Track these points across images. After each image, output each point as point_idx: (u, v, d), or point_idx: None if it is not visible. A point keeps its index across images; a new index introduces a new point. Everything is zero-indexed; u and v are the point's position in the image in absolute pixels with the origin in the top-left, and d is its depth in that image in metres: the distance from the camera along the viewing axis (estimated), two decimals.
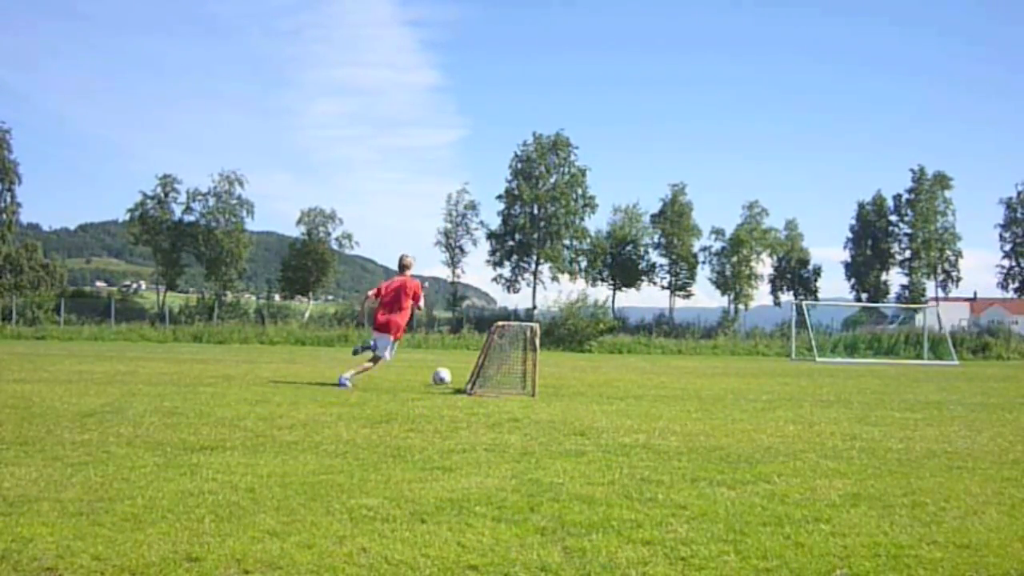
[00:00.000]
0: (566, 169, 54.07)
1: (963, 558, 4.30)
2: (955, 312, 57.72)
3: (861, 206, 60.66)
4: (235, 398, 11.72)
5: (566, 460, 7.03)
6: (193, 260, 55.81)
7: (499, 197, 54.52)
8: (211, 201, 54.19)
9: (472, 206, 55.08)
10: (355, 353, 14.87)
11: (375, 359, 14.20)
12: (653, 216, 56.42)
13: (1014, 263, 58.22)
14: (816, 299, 55.91)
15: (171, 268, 54.30)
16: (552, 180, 53.55)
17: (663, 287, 56.80)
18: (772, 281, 58.84)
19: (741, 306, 56.83)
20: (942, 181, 58.09)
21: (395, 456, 7.07)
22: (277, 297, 59.50)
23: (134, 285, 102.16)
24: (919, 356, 38.02)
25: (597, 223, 60.21)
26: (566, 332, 40.22)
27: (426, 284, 15.27)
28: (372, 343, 14.18)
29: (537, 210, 53.34)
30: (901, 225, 59.83)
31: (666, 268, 56.80)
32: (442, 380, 14.44)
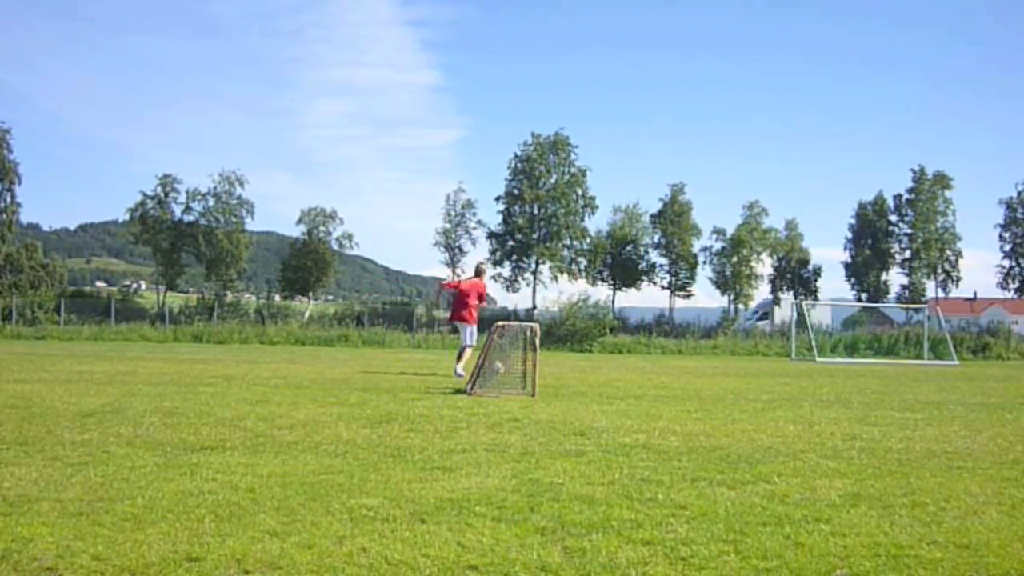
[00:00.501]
0: (566, 169, 54.06)
1: (963, 558, 4.30)
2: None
3: (861, 206, 60.65)
4: (235, 398, 11.72)
5: (566, 460, 7.03)
6: (193, 260, 55.78)
7: (499, 198, 54.54)
8: (211, 201, 54.18)
9: (470, 205, 55.09)
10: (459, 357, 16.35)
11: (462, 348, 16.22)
12: (653, 216, 56.41)
13: (1014, 263, 58.21)
14: (816, 299, 55.92)
15: (171, 268, 54.26)
16: (552, 180, 53.55)
17: (663, 287, 56.82)
18: (772, 281, 58.83)
19: (741, 306, 56.84)
20: (942, 181, 58.09)
21: (395, 456, 7.07)
22: (277, 297, 59.46)
23: (134, 285, 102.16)
24: (919, 356, 38.01)
25: (597, 223, 60.24)
26: (566, 332, 40.22)
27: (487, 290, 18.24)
28: (463, 335, 16.24)
29: (537, 210, 53.34)
30: (901, 225, 59.83)
31: (666, 268, 56.81)
32: (496, 370, 14.78)
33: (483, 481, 6.04)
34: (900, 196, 59.71)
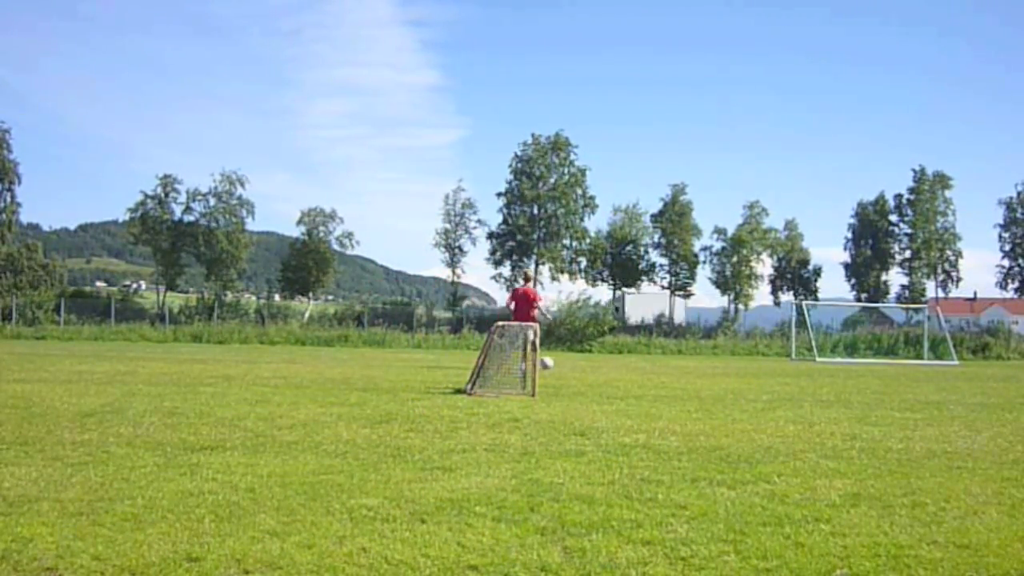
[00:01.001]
0: (566, 169, 54.07)
1: (963, 558, 4.30)
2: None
3: (861, 206, 60.65)
4: (235, 398, 11.72)
5: (566, 460, 7.03)
6: (193, 260, 55.77)
7: (499, 194, 54.52)
8: (211, 201, 54.16)
9: (469, 204, 55.08)
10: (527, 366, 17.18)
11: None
12: (653, 216, 56.40)
13: (1013, 263, 58.21)
14: (816, 299, 55.91)
15: (171, 268, 54.25)
16: (552, 180, 53.54)
17: (663, 287, 56.80)
18: (772, 281, 58.84)
19: (741, 306, 56.83)
20: (942, 181, 58.09)
21: (395, 456, 7.07)
22: (277, 297, 59.45)
23: (134, 285, 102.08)
24: (919, 356, 38.00)
25: (597, 223, 60.27)
26: (566, 332, 40.23)
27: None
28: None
29: (537, 210, 53.35)
30: (901, 225, 59.83)
31: (666, 268, 56.80)
32: (546, 366, 16.54)
33: (483, 481, 6.04)
34: (900, 196, 59.71)
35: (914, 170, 58.94)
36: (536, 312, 17.21)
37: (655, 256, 56.71)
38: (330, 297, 77.15)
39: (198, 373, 16.90)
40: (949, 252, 58.75)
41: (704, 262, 57.39)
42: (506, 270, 54.74)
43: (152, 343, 37.35)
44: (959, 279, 59.45)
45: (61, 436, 7.83)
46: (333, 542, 4.38)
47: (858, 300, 58.23)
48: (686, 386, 16.38)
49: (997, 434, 9.52)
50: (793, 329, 39.27)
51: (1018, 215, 58.16)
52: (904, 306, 55.97)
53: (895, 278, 60.33)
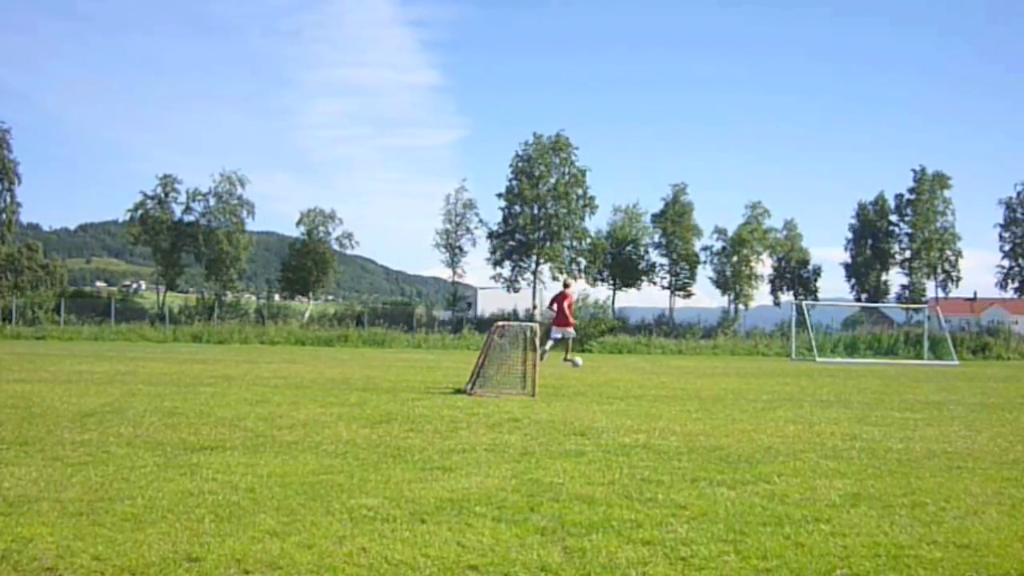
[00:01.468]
0: (566, 169, 54.06)
1: (963, 558, 4.30)
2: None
3: (861, 206, 60.65)
4: (235, 398, 11.72)
5: (566, 460, 7.03)
6: (193, 260, 55.77)
7: (500, 194, 54.50)
8: (212, 201, 54.16)
9: (470, 204, 55.07)
10: (542, 357, 16.59)
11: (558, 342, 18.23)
12: (654, 216, 56.38)
13: (1013, 263, 58.20)
14: (816, 299, 55.91)
15: (171, 268, 54.24)
16: (552, 180, 53.53)
17: (663, 287, 56.81)
18: (772, 281, 58.84)
19: (741, 306, 56.83)
20: (942, 181, 58.09)
21: (395, 456, 7.07)
22: (277, 297, 59.48)
23: (134, 285, 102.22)
24: (919, 356, 38.00)
25: (597, 223, 60.22)
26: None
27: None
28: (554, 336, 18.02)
29: (537, 210, 53.34)
30: (901, 225, 59.83)
31: (666, 268, 56.79)
32: (576, 364, 18.18)
33: (483, 481, 6.04)
34: (900, 196, 59.71)
35: (914, 170, 58.96)
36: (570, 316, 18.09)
37: (655, 256, 56.73)
38: (330, 297, 77.18)
39: (198, 373, 16.90)
40: (949, 252, 58.74)
41: (704, 262, 57.42)
42: (506, 270, 54.75)
43: (152, 343, 37.36)
44: (959, 279, 59.46)
45: (61, 436, 7.83)
46: (333, 542, 4.38)
47: (858, 300, 58.23)
48: (686, 386, 16.39)
49: (997, 434, 9.52)
50: (793, 329, 39.27)
51: (1018, 215, 58.14)
52: (904, 306, 55.98)
53: (895, 278, 60.35)
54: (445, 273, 56.88)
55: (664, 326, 49.21)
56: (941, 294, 60.02)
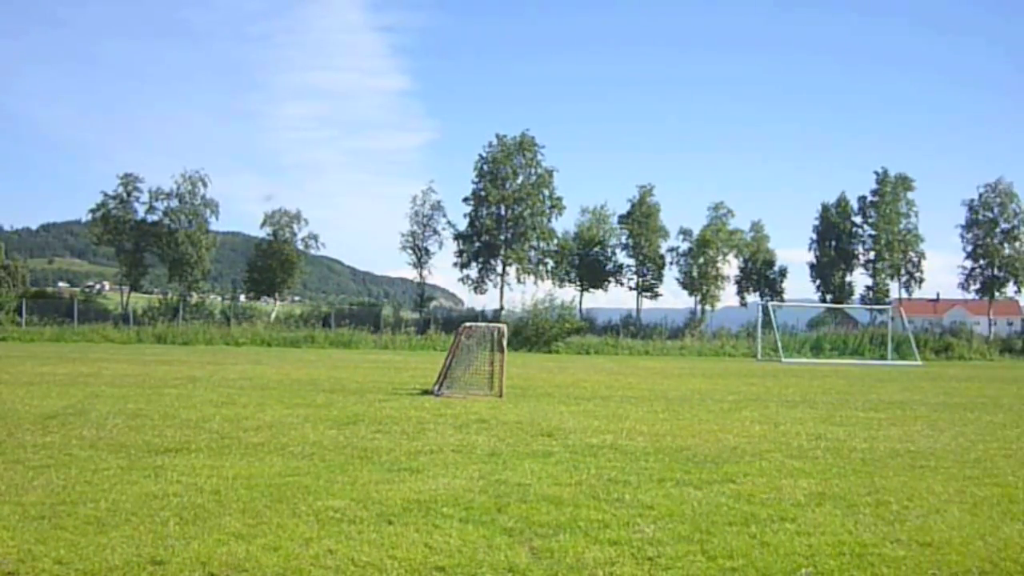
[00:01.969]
0: (533, 170, 54.05)
1: (926, 556, 4.34)
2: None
3: (824, 208, 61.15)
4: (200, 400, 11.63)
5: (533, 461, 7.04)
6: (157, 261, 55.26)
7: (466, 200, 54.44)
8: (174, 202, 53.68)
9: (438, 206, 54.96)
10: None
11: None
12: (621, 217, 56.52)
13: (975, 264, 58.92)
14: (782, 300, 56.32)
15: (134, 269, 53.69)
16: (519, 181, 53.51)
17: (630, 288, 56.98)
18: (738, 282, 59.17)
19: (708, 307, 57.12)
20: (905, 183, 58.69)
21: (362, 457, 7.05)
22: (243, 298, 59.03)
23: (97, 286, 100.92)
24: (883, 356, 38.38)
25: (564, 224, 60.26)
26: (533, 333, 40.30)
27: None
28: None
29: (504, 211, 53.31)
30: (864, 227, 60.38)
31: (633, 269, 56.97)
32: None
33: (450, 482, 6.03)
34: (864, 198, 60.26)
35: (876, 172, 59.48)
36: None
37: (622, 257, 56.88)
38: (296, 298, 76.69)
39: (162, 375, 16.75)
40: (912, 253, 59.33)
41: (671, 263, 57.65)
42: (473, 272, 54.69)
43: (116, 344, 36.97)
44: (922, 280, 60.02)
45: (22, 439, 7.73)
46: (300, 544, 4.36)
47: (823, 301, 58.70)
48: (653, 387, 16.45)
49: (959, 433, 9.63)
50: (759, 330, 39.53)
51: (980, 217, 58.87)
52: (868, 307, 56.52)
53: (859, 279, 60.89)
54: (412, 274, 56.76)
55: (631, 327, 49.36)
56: (904, 295, 60.62)
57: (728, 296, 58.22)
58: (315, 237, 57.47)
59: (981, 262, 59.06)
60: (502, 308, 50.71)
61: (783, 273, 59.69)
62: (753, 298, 56.72)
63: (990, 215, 58.94)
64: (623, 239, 56.64)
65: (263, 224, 56.22)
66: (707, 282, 56.15)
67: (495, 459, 7.09)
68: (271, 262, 55.57)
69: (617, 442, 8.24)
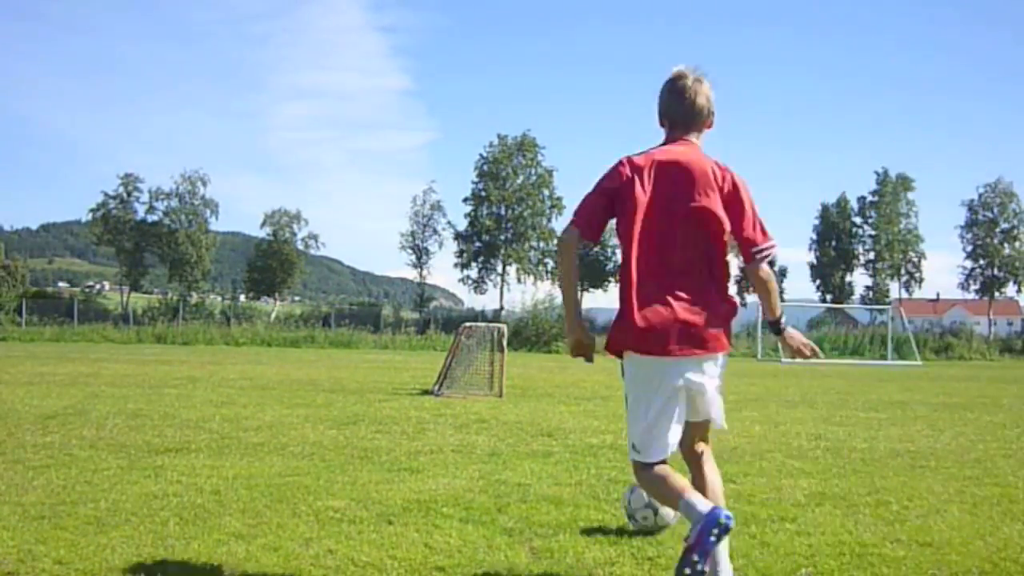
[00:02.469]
0: (533, 170, 54.09)
1: (926, 556, 4.35)
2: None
3: (824, 208, 61.19)
4: (200, 400, 11.63)
5: (533, 461, 7.04)
6: (157, 261, 55.30)
7: (466, 200, 54.47)
8: (174, 202, 53.72)
9: (438, 206, 55.00)
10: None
11: None
12: None
13: (975, 264, 58.94)
14: (782, 300, 56.30)
15: (134, 269, 53.77)
16: (519, 181, 53.54)
17: None
18: (738, 282, 59.17)
19: None
20: (905, 183, 58.73)
21: (362, 458, 7.05)
22: (243, 298, 59.11)
23: (97, 286, 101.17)
24: (883, 356, 38.39)
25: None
26: (533, 333, 40.32)
27: None
28: None
29: (504, 211, 53.34)
30: (865, 227, 60.41)
31: None
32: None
33: (450, 482, 6.03)
34: (863, 198, 60.30)
35: (877, 172, 59.60)
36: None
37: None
38: (296, 298, 76.83)
39: (162, 375, 16.75)
40: (912, 253, 59.44)
41: None
42: (473, 272, 54.71)
43: (115, 344, 36.97)
44: (922, 280, 60.20)
45: (22, 439, 7.73)
46: (300, 544, 4.36)
47: (823, 301, 58.75)
48: None
49: (959, 433, 9.63)
50: (759, 330, 39.52)
51: (979, 217, 58.90)
52: (868, 307, 56.54)
53: (859, 279, 60.99)
54: (412, 274, 56.82)
55: None
56: (904, 295, 60.73)
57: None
58: (315, 237, 57.72)
59: (981, 262, 59.10)
60: (502, 308, 50.76)
61: (783, 273, 59.88)
62: (753, 298, 56.74)
63: (990, 215, 58.98)
64: None
65: (263, 224, 56.32)
66: None
67: (495, 459, 7.09)
68: (271, 262, 55.70)
69: (617, 442, 8.24)
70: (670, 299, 3.71)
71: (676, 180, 3.72)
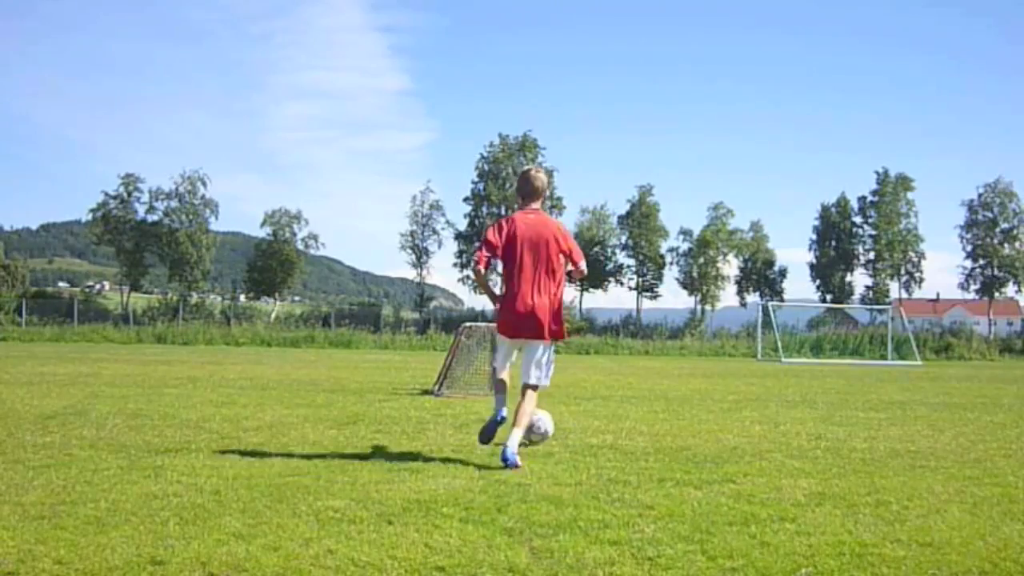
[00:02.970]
0: None
1: (926, 556, 4.34)
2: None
3: (824, 208, 61.19)
4: (200, 400, 11.63)
5: (533, 461, 7.03)
6: (157, 261, 55.29)
7: (466, 199, 54.48)
8: (174, 202, 53.72)
9: (437, 206, 55.02)
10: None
11: None
12: (620, 217, 56.59)
13: (975, 264, 58.94)
14: (782, 300, 56.33)
15: (135, 269, 53.76)
16: None
17: (630, 288, 57.02)
18: (738, 282, 59.19)
19: (708, 307, 57.14)
20: (905, 183, 58.73)
21: (362, 457, 7.04)
22: (243, 298, 59.12)
23: (97, 286, 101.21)
24: (883, 356, 38.40)
25: (565, 224, 60.47)
26: None
27: None
28: None
29: (504, 211, 53.36)
30: (865, 227, 60.41)
31: (633, 269, 56.97)
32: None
33: (450, 482, 6.03)
34: (864, 198, 60.30)
35: (877, 172, 59.63)
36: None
37: (622, 257, 56.94)
38: (296, 298, 76.83)
39: (162, 375, 16.75)
40: (912, 253, 59.45)
41: (671, 263, 57.66)
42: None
43: (115, 344, 36.97)
44: (922, 280, 60.21)
45: (22, 439, 7.73)
46: (299, 544, 4.35)
47: (823, 301, 58.75)
48: (653, 387, 16.45)
49: (959, 433, 9.63)
50: (759, 330, 39.56)
51: (979, 217, 58.91)
52: (868, 307, 56.55)
53: (859, 279, 61.01)
54: (412, 274, 56.79)
55: (631, 327, 49.41)
56: (904, 295, 60.72)
57: (728, 296, 58.39)
58: (315, 237, 57.74)
59: (981, 262, 59.09)
60: None
61: (783, 273, 59.91)
62: (753, 298, 56.87)
63: (990, 215, 58.97)
64: (623, 239, 56.66)
65: (263, 224, 56.33)
66: (707, 282, 56.25)
67: (495, 459, 7.08)
68: (271, 262, 55.70)
69: (617, 442, 8.24)
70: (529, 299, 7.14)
71: (532, 228, 7.13)
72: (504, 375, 7.34)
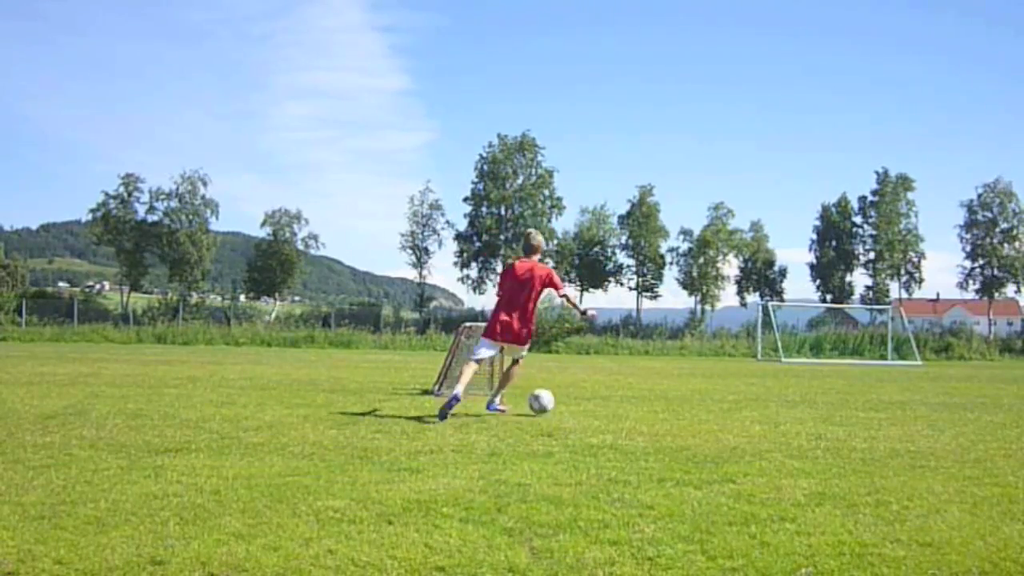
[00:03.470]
0: (533, 170, 54.12)
1: (925, 556, 4.34)
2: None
3: (824, 208, 61.21)
4: (200, 400, 11.63)
5: (533, 461, 7.03)
6: (157, 261, 55.29)
7: (466, 199, 54.49)
8: (174, 202, 53.73)
9: (437, 205, 55.03)
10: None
11: None
12: (621, 217, 56.60)
13: (974, 264, 58.96)
14: (782, 300, 56.34)
15: (134, 269, 53.75)
16: (519, 181, 53.58)
17: (630, 288, 57.03)
18: (738, 282, 59.19)
19: (708, 307, 57.14)
20: (905, 183, 58.74)
21: (362, 457, 7.04)
22: (243, 298, 59.13)
23: (97, 286, 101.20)
24: (883, 356, 38.39)
25: (564, 224, 60.41)
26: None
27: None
28: None
29: (504, 211, 53.38)
30: (865, 227, 60.42)
31: (633, 269, 56.98)
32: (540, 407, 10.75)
33: (450, 482, 6.03)
34: (864, 198, 60.32)
35: (877, 172, 59.65)
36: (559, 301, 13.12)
37: (622, 257, 56.95)
38: (296, 298, 76.82)
39: (162, 374, 16.75)
40: (912, 254, 59.47)
41: (671, 263, 57.67)
42: (473, 272, 54.71)
43: (115, 344, 36.97)
44: (922, 280, 60.20)
45: (22, 439, 7.73)
46: (299, 544, 4.35)
47: (823, 301, 58.76)
48: (653, 387, 16.45)
49: (959, 433, 9.63)
50: (759, 330, 39.55)
51: (979, 217, 58.92)
52: (868, 307, 56.55)
53: (859, 279, 61.02)
54: (412, 274, 56.81)
55: (631, 327, 49.41)
56: (904, 295, 60.71)
57: (728, 296, 58.40)
58: (315, 237, 57.76)
59: (980, 262, 59.09)
60: None
61: (783, 273, 59.91)
62: (753, 298, 56.89)
63: (989, 215, 58.97)
64: (623, 239, 56.68)
65: (263, 224, 56.34)
66: (707, 282, 56.27)
67: (495, 459, 7.08)
68: (271, 262, 55.70)
69: (617, 442, 8.24)
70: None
71: (526, 272, 10.31)
72: (475, 367, 10.63)
